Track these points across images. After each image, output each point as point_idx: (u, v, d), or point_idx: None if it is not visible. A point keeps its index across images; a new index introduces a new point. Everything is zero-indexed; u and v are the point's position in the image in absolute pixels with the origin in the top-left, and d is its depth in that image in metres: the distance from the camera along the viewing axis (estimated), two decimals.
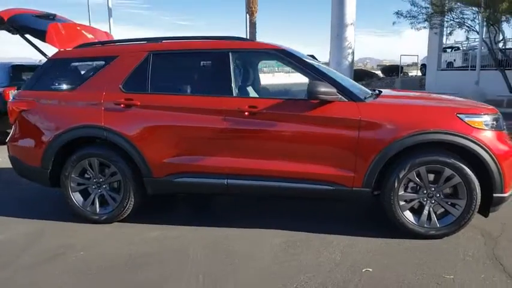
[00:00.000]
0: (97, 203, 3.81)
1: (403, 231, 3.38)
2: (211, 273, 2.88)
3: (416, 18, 15.08)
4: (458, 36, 21.82)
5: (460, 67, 22.15)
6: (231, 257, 3.13)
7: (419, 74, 30.34)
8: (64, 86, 3.94)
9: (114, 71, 3.73)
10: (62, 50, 3.99)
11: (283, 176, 3.44)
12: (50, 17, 4.36)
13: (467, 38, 22.92)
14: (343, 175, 3.35)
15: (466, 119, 3.21)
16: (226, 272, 2.91)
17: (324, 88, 3.21)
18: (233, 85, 3.51)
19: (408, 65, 31.88)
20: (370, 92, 3.76)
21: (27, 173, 4.03)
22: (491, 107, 3.43)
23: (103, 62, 3.80)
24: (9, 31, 4.44)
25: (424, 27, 15.61)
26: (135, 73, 3.70)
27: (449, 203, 3.30)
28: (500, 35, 13.65)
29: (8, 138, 4.12)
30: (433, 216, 3.32)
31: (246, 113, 3.42)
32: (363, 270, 2.89)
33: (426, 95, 3.97)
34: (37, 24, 4.13)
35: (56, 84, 3.97)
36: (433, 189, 3.30)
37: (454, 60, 24.04)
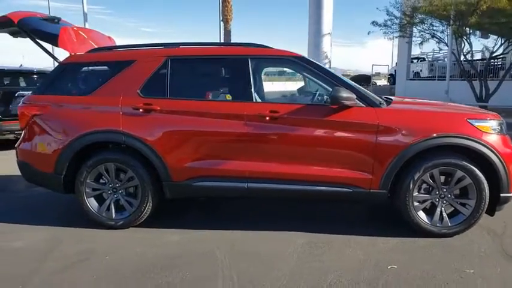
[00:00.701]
0: (113, 208, 3.77)
1: (417, 231, 3.56)
2: (245, 273, 2.94)
3: (390, 28, 15.75)
4: (425, 47, 22.83)
5: (426, 77, 23.22)
6: (258, 258, 3.20)
7: (387, 83, 31.51)
8: (78, 91, 3.90)
9: (131, 76, 3.73)
10: (74, 54, 3.94)
11: (303, 179, 3.55)
12: (55, 21, 4.31)
13: (434, 50, 24.14)
14: (361, 178, 3.49)
15: (476, 124, 3.45)
16: (258, 271, 2.97)
17: (346, 94, 3.36)
18: (253, 91, 3.60)
19: (373, 75, 32.99)
20: (383, 98, 3.94)
21: (38, 179, 3.94)
22: (495, 113, 3.68)
23: (119, 67, 3.79)
24: (14, 34, 4.34)
25: (396, 37, 16.30)
26: (153, 78, 3.72)
27: (459, 203, 3.50)
28: (468, 47, 14.43)
29: (17, 143, 4.01)
30: (445, 215, 3.52)
31: (267, 118, 3.51)
32: (388, 267, 3.03)
33: (434, 102, 4.20)
34: (48, 27, 4.07)
35: (70, 88, 3.93)
36: (444, 190, 3.50)
37: (421, 70, 25.16)
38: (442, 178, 3.52)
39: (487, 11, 12.35)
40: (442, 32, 15.44)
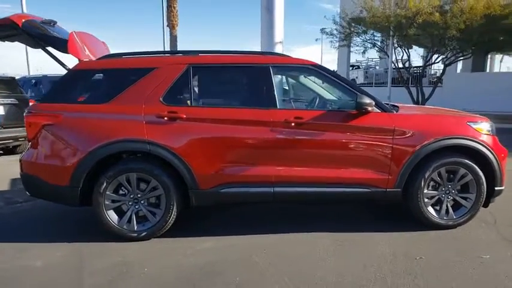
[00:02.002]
0: (134, 219, 3.67)
1: (426, 224, 3.90)
2: (292, 275, 3.05)
3: (336, 37, 16.66)
4: (358, 56, 24.38)
5: (361, 84, 24.77)
6: (296, 259, 3.32)
7: None
8: (93, 99, 3.74)
9: (152, 84, 3.67)
10: (85, 60, 3.79)
11: (326, 182, 3.74)
12: (52, 24, 4.08)
13: (368, 58, 25.85)
14: (379, 178, 3.77)
15: (474, 126, 3.89)
16: (304, 272, 3.10)
17: (368, 100, 3.62)
18: (277, 98, 3.73)
19: None
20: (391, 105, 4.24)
21: (49, 193, 3.71)
22: (485, 117, 4.16)
23: (138, 74, 3.71)
24: (12, 38, 4.04)
25: (342, 46, 17.26)
26: (175, 86, 3.70)
27: (462, 197, 3.91)
28: (406, 56, 15.67)
29: (22, 156, 3.74)
30: (450, 209, 3.91)
31: (293, 124, 3.66)
32: (417, 258, 3.32)
33: (433, 108, 4.62)
34: (54, 32, 3.85)
35: (84, 96, 3.75)
36: (449, 186, 3.89)
37: (357, 77, 26.81)
38: (446, 176, 3.91)
39: (423, 24, 13.53)
40: (381, 42, 16.66)
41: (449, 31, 12.61)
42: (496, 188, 3.91)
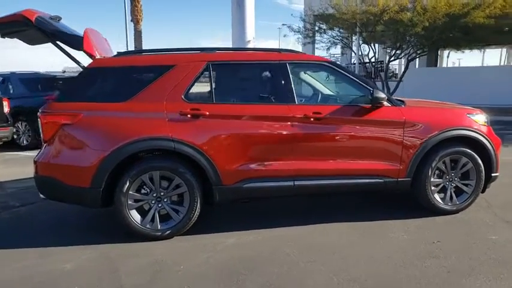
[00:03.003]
0: (157, 218, 3.65)
1: (432, 210, 4.16)
2: (327, 263, 3.18)
3: (303, 34, 16.99)
4: (321, 53, 25.05)
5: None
6: (324, 248, 3.45)
7: None
8: (112, 97, 3.66)
9: (173, 81, 3.66)
10: (101, 58, 3.70)
11: (343, 174, 3.91)
12: (57, 20, 3.94)
13: (331, 54, 26.53)
14: (391, 168, 3.98)
15: (473, 118, 4.20)
16: (339, 262, 3.23)
17: (383, 95, 3.81)
18: (295, 93, 3.83)
19: None
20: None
21: (68, 195, 3.61)
22: (479, 109, 4.48)
23: (157, 72, 3.68)
24: (13, 34, 3.85)
25: (309, 43, 17.62)
26: (196, 83, 3.70)
27: (463, 184, 4.21)
28: (372, 52, 16.27)
29: (37, 157, 3.61)
30: (453, 195, 4.20)
31: (312, 119, 3.78)
32: (434, 242, 3.56)
33: (433, 101, 4.88)
34: (66, 28, 3.72)
35: (101, 94, 3.66)
36: (452, 174, 4.17)
37: None
38: (450, 164, 4.18)
39: (389, 21, 14.10)
40: (347, 38, 17.20)
41: (415, 28, 13.21)
42: (492, 175, 4.24)
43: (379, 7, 13.94)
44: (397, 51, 15.88)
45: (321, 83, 4.74)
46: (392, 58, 16.68)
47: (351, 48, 17.22)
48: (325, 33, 16.75)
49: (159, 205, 3.66)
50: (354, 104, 3.95)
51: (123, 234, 3.69)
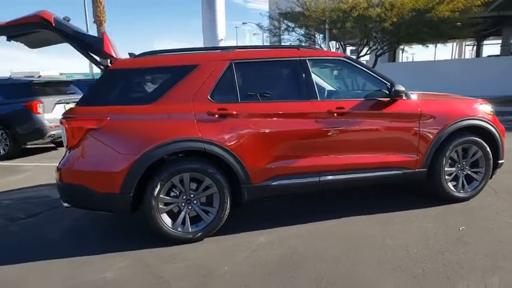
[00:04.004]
0: (188, 221, 3.57)
1: (445, 199, 4.33)
2: (365, 255, 3.24)
3: (271, 32, 17.13)
4: None
5: None
6: (361, 242, 3.50)
7: None
8: (138, 99, 3.53)
9: (198, 81, 3.58)
10: (123, 59, 3.56)
11: (365, 167, 3.98)
12: (68, 21, 3.76)
13: None
14: (409, 160, 4.10)
15: (481, 108, 4.40)
16: (380, 252, 3.30)
17: (402, 88, 3.92)
18: (317, 90, 3.86)
19: None
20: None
21: (96, 202, 3.44)
22: (484, 99, 4.69)
23: (181, 72, 3.59)
24: (20, 37, 3.63)
25: (277, 41, 17.80)
26: (221, 82, 3.65)
27: (474, 172, 4.41)
28: (341, 48, 16.63)
29: (60, 164, 3.42)
30: (465, 183, 4.39)
31: (335, 114, 3.83)
32: (460, 228, 3.71)
33: (440, 94, 5.05)
34: (82, 31, 3.54)
35: (125, 97, 3.52)
36: (464, 162, 4.36)
37: None
38: (461, 153, 4.36)
39: (358, 17, 14.49)
40: (314, 35, 17.53)
41: (384, 24, 13.65)
42: (499, 162, 4.46)
43: (349, 4, 14.28)
44: (365, 48, 16.38)
45: (324, 79, 4.80)
46: (362, 54, 17.17)
47: (320, 46, 17.52)
48: (293, 31, 16.98)
49: (189, 207, 3.59)
50: (372, 98, 4.03)
51: (149, 238, 3.62)
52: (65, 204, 3.56)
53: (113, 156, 3.37)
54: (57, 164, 3.58)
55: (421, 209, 4.21)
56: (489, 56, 34.95)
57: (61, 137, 8.66)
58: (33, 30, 3.52)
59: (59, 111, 8.57)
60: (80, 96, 9.12)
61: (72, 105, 8.78)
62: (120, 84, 3.56)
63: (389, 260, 3.16)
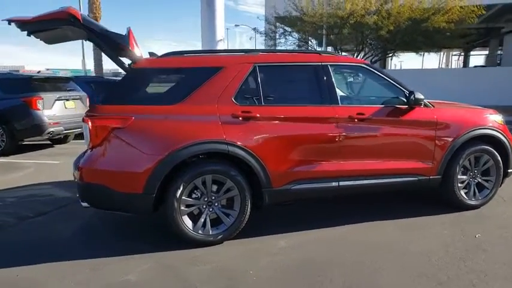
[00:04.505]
0: (209, 223, 3.55)
1: (457, 206, 4.39)
2: (386, 260, 3.26)
3: (269, 36, 17.19)
4: None
5: None
6: (382, 247, 3.51)
7: None
8: (163, 99, 3.50)
9: (223, 83, 3.57)
10: (148, 58, 3.52)
11: (383, 173, 4.02)
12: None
13: None
14: (425, 167, 4.15)
15: (492, 118, 4.48)
16: (403, 257, 3.32)
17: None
18: (338, 95, 3.89)
19: None
20: None
21: (118, 203, 3.39)
22: (495, 110, 4.78)
23: (207, 73, 3.56)
24: (34, 32, 3.56)
25: (274, 45, 17.85)
26: (244, 85, 3.64)
27: (485, 180, 4.49)
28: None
29: (81, 163, 3.36)
30: (477, 191, 4.46)
31: (356, 120, 3.86)
32: (476, 236, 3.76)
33: (450, 102, 5.12)
34: (105, 28, 3.49)
35: (152, 96, 3.49)
36: (476, 171, 4.44)
37: None
38: (474, 162, 4.43)
39: (355, 24, 14.63)
40: (310, 41, 17.66)
41: (381, 31, 13.82)
42: (509, 170, 4.55)
43: (346, 11, 14.42)
44: (360, 54, 16.54)
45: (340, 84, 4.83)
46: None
47: (317, 51, 17.64)
48: (290, 35, 17.06)
49: (210, 209, 3.56)
50: (391, 105, 4.07)
51: (164, 239, 3.62)
52: (84, 204, 3.50)
53: (137, 156, 3.33)
54: (77, 163, 3.52)
55: (435, 216, 4.26)
56: (475, 66, 35.83)
57: (59, 135, 8.73)
58: (57, 27, 3.45)
59: (58, 107, 8.47)
60: (79, 93, 9.23)
61: (72, 102, 8.90)
62: (145, 84, 3.52)
63: (413, 266, 3.18)
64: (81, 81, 10.50)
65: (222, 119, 3.48)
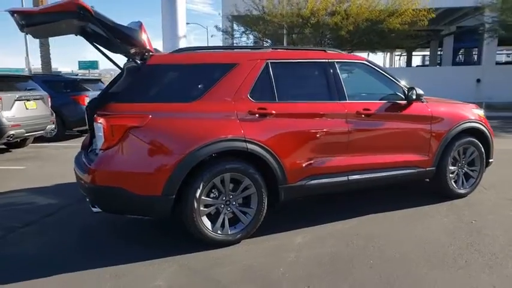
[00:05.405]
0: (227, 223, 3.49)
1: (448, 195, 4.66)
2: (416, 251, 3.39)
3: (230, 34, 17.17)
4: None
5: None
6: (395, 237, 3.65)
7: None
8: (179, 96, 3.37)
9: (238, 80, 3.52)
10: (161, 54, 3.40)
11: (387, 167, 4.17)
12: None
13: None
14: (422, 159, 4.36)
15: (476, 112, 4.80)
16: (424, 245, 3.47)
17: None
18: (345, 91, 3.97)
19: None
20: None
21: (135, 206, 3.23)
22: (476, 105, 5.12)
23: (221, 70, 3.50)
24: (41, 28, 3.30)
25: (236, 43, 17.85)
26: (259, 82, 3.61)
27: (471, 170, 4.79)
28: None
29: (95, 165, 3.16)
30: (464, 180, 4.76)
31: (363, 115, 3.97)
32: (472, 221, 4.02)
33: (440, 98, 5.37)
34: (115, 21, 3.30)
35: (167, 94, 3.35)
36: (463, 161, 4.73)
37: None
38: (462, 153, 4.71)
39: (315, 24, 14.97)
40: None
41: (341, 32, 14.26)
42: (489, 160, 4.90)
43: (308, 10, 14.72)
44: None
45: None
46: None
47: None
48: (251, 34, 17.13)
49: (228, 209, 3.50)
50: (392, 101, 4.22)
51: (177, 241, 3.57)
52: (95, 210, 3.31)
53: (156, 156, 3.20)
54: (83, 165, 3.32)
55: (431, 205, 4.50)
56: (417, 65, 38.02)
57: (20, 137, 8.12)
58: (63, 19, 3.22)
59: (18, 108, 7.90)
60: (41, 93, 8.66)
61: (33, 102, 8.32)
62: (160, 81, 3.39)
63: (431, 254, 3.32)
64: (39, 80, 9.86)
65: (239, 116, 3.44)
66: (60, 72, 23.11)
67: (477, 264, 3.13)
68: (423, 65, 39.25)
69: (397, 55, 47.10)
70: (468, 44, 25.55)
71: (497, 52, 23.84)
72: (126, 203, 3.22)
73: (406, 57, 37.67)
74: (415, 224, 4.00)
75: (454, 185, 4.67)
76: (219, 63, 3.55)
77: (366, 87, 4.44)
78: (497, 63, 22.87)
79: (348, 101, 3.95)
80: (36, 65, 19.93)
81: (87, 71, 36.13)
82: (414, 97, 4.16)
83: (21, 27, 3.39)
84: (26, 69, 21.80)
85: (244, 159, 3.49)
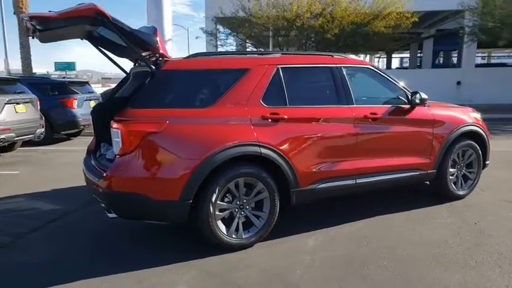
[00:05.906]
0: (241, 227, 3.51)
1: (447, 197, 4.80)
2: (427, 252, 3.48)
3: (216, 36, 17.14)
4: None
5: None
6: (407, 239, 3.74)
7: None
8: (195, 102, 3.37)
9: (250, 85, 3.55)
10: (176, 59, 3.39)
11: (391, 170, 4.26)
12: None
13: None
14: (424, 162, 4.48)
15: (473, 115, 4.96)
16: (434, 246, 3.56)
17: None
18: (352, 96, 4.05)
19: None
20: None
21: (152, 211, 3.22)
22: (473, 108, 5.27)
23: (234, 75, 3.52)
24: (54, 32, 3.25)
25: (222, 46, 17.83)
26: (270, 87, 3.64)
27: (469, 172, 4.94)
28: None
29: (111, 171, 3.12)
30: (463, 182, 4.90)
31: (370, 119, 4.05)
32: (475, 223, 4.15)
33: (439, 102, 5.50)
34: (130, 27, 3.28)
35: (183, 99, 3.34)
36: (462, 164, 4.87)
37: None
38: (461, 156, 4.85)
39: (301, 27, 15.10)
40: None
41: (326, 35, 14.42)
42: (486, 162, 5.06)
43: (293, 13, 14.82)
44: None
45: None
46: None
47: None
48: (237, 36, 17.15)
49: (242, 213, 3.52)
50: (397, 105, 4.32)
51: (191, 246, 3.56)
52: (111, 215, 3.27)
53: (174, 162, 3.19)
54: (95, 171, 3.30)
55: (431, 207, 4.61)
56: (397, 67, 38.75)
57: (10, 142, 7.92)
58: (79, 24, 3.18)
59: (8, 112, 7.71)
60: (30, 96, 8.46)
61: (22, 106, 8.12)
62: (175, 86, 3.38)
63: (441, 255, 3.42)
64: (25, 83, 9.62)
65: (253, 121, 3.46)
66: (47, 73, 22.62)
67: (487, 264, 3.24)
68: (402, 67, 40.11)
69: (377, 57, 47.98)
70: (448, 46, 26.20)
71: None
72: (144, 209, 3.21)
73: (386, 59, 38.33)
74: (420, 225, 4.10)
75: (454, 187, 4.81)
76: (232, 69, 3.57)
77: (370, 91, 4.51)
78: (477, 65, 23.56)
79: (355, 105, 4.02)
80: (15, 66, 19.33)
81: (64, 72, 35.39)
82: (418, 101, 4.28)
83: (34, 32, 3.33)
84: (5, 71, 21.17)
85: (257, 164, 3.52)
